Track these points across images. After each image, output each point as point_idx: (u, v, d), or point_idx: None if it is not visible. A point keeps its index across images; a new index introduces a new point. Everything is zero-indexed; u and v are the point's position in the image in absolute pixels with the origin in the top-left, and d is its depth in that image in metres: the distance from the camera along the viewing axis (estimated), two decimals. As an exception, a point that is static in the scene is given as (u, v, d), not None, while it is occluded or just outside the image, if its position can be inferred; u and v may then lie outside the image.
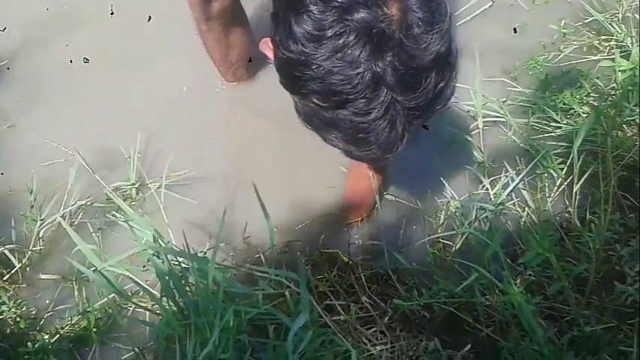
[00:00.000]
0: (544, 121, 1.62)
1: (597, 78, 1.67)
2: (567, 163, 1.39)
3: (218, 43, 1.65)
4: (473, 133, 1.61)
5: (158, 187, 1.52)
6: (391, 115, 0.87)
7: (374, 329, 1.23)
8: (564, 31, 1.80)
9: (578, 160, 1.31)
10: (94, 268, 1.14)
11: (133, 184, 1.55)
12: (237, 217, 1.50)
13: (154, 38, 1.92)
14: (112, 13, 1.93)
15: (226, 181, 1.61)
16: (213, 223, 1.51)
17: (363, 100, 0.85)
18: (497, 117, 1.62)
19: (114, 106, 1.78)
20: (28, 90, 1.82)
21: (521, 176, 1.38)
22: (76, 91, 1.82)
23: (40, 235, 1.47)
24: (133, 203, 1.54)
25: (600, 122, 1.47)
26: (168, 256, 1.12)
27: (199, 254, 1.28)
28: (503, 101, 1.66)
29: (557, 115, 1.60)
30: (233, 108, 1.79)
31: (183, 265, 1.14)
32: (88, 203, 1.53)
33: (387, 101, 0.85)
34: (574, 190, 1.30)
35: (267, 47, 1.00)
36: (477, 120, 1.55)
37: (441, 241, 1.38)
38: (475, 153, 1.56)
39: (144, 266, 1.18)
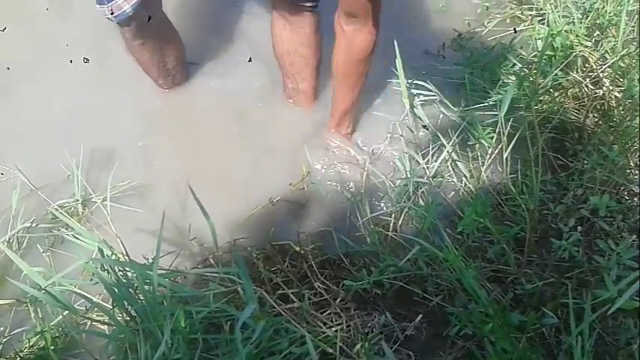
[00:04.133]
0: (476, 95, 1.67)
1: (521, 48, 1.74)
2: (496, 131, 1.44)
3: (154, 55, 1.67)
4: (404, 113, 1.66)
5: (103, 201, 1.52)
6: None
7: (328, 312, 1.26)
8: (486, 4, 1.86)
9: (506, 128, 1.36)
10: (42, 289, 1.14)
11: (77, 200, 1.54)
12: (188, 220, 1.51)
13: (86, 48, 1.92)
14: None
15: (175, 185, 1.61)
16: (165, 228, 1.52)
17: None
18: (430, 95, 1.67)
19: (53, 121, 1.77)
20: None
21: (449, 145, 1.43)
22: (12, 106, 1.81)
23: (-11, 261, 1.45)
24: (81, 219, 1.54)
25: (524, 89, 1.53)
26: (116, 268, 1.13)
27: (148, 261, 1.29)
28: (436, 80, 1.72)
29: (486, 87, 1.66)
30: (174, 113, 1.81)
31: (129, 275, 1.15)
32: (35, 224, 1.52)
33: None
34: (504, 157, 1.35)
35: None
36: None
37: (385, 218, 1.42)
38: (409, 132, 1.61)
39: (91, 279, 1.18)
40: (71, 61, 1.85)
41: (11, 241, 1.48)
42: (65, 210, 1.53)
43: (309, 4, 1.48)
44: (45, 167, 1.63)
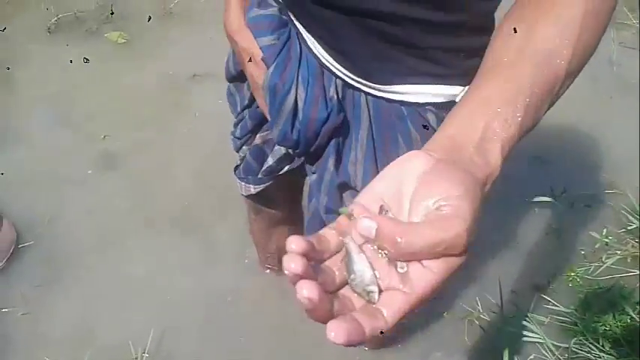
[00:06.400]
0: (586, 348, 1.47)
1: (643, 302, 1.54)
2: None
3: (261, 233, 1.64)
4: None
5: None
6: None
7: None
8: (606, 240, 1.69)
9: None
10: None
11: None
12: None
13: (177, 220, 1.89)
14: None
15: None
16: None
17: None
18: (534, 338, 1.50)
19: (130, 295, 1.71)
20: (46, 272, 1.74)
21: None
22: (92, 275, 1.75)
23: None
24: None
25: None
26: None
27: None
28: (541, 320, 1.54)
29: (599, 342, 1.46)
30: (252, 303, 1.71)
31: None
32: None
33: None
34: None
35: None
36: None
37: None
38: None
39: None
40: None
41: None
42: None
43: None
44: (111, 345, 1.58)
